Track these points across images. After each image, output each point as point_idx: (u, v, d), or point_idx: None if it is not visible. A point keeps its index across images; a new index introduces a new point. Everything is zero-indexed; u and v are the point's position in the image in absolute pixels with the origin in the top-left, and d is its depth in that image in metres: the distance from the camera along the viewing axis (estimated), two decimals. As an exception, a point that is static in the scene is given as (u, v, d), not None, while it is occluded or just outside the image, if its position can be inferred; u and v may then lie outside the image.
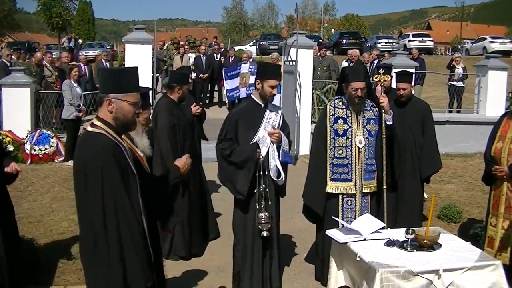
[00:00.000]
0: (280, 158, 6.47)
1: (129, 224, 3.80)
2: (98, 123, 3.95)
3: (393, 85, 8.91)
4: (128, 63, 14.60)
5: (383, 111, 6.70)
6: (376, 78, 7.03)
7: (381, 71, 7.05)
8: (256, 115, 6.53)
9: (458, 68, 20.20)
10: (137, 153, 4.55)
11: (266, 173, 6.43)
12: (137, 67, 4.15)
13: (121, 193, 3.79)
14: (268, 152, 6.45)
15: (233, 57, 23.07)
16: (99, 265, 3.81)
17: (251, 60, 21.61)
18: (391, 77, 8.74)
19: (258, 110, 6.55)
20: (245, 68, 20.63)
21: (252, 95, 6.76)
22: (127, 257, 3.77)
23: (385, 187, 6.70)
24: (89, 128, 3.97)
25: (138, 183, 3.96)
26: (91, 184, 3.78)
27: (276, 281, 6.75)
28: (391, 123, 6.78)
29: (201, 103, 9.19)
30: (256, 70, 6.57)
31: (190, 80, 8.73)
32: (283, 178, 6.54)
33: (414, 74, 9.86)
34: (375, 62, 18.90)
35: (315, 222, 7.19)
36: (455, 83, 19.94)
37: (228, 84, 21.22)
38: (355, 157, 6.66)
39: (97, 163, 3.77)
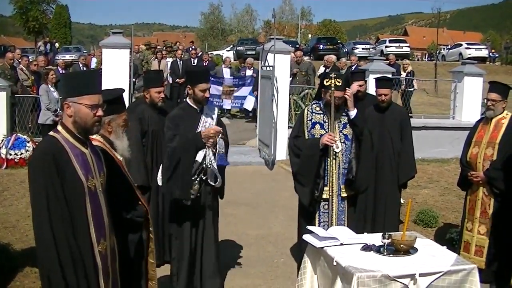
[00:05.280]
0: (216, 162, 6.34)
1: (61, 227, 3.75)
2: (59, 127, 3.94)
3: (369, 91, 8.94)
4: (105, 68, 14.50)
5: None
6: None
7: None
8: (193, 120, 6.43)
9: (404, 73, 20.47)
10: (116, 157, 4.55)
11: (204, 178, 6.32)
12: (94, 70, 4.13)
13: (54, 197, 3.73)
14: (204, 156, 6.31)
15: (207, 61, 22.96)
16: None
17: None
18: (365, 81, 8.74)
19: (194, 115, 6.46)
20: (228, 80, 20.15)
21: (186, 99, 6.63)
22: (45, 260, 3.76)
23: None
24: (50, 133, 3.97)
25: (86, 189, 3.87)
26: (30, 187, 3.83)
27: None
28: (353, 116, 6.77)
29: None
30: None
31: (164, 84, 8.54)
32: (220, 182, 6.41)
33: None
34: (353, 67, 18.97)
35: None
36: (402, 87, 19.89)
37: None
38: (331, 162, 6.68)
39: (34, 168, 3.79)
